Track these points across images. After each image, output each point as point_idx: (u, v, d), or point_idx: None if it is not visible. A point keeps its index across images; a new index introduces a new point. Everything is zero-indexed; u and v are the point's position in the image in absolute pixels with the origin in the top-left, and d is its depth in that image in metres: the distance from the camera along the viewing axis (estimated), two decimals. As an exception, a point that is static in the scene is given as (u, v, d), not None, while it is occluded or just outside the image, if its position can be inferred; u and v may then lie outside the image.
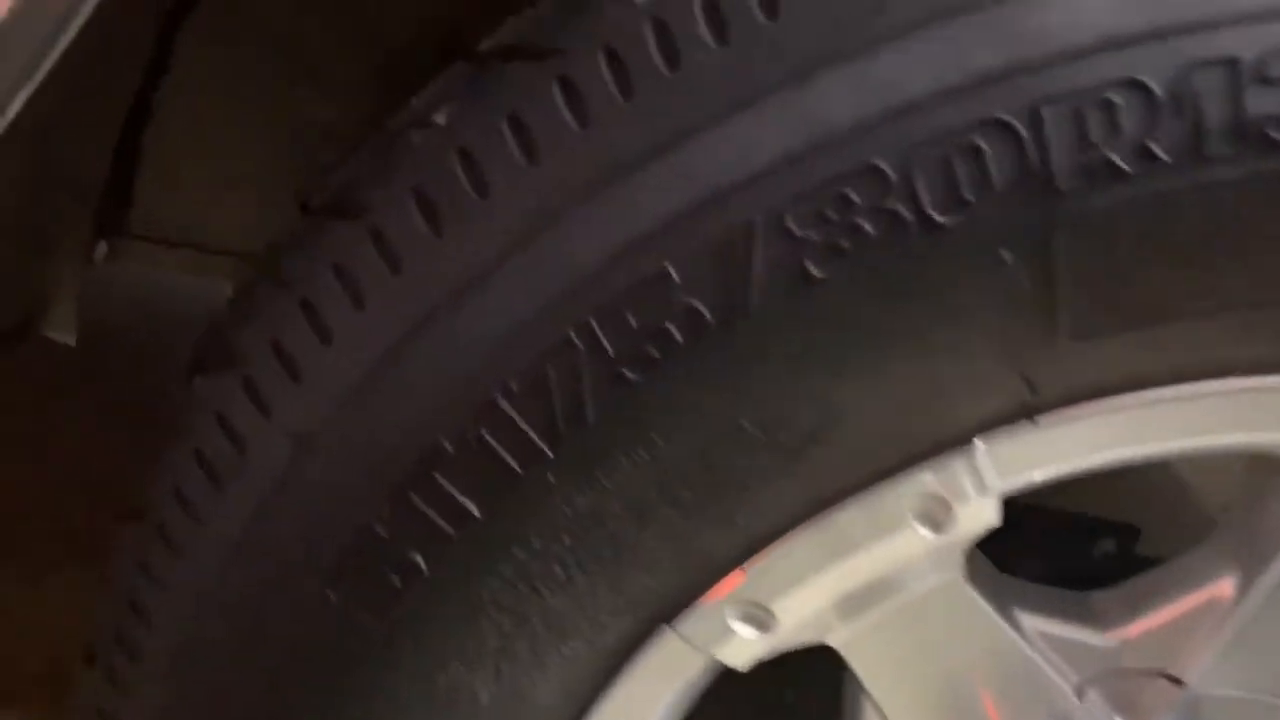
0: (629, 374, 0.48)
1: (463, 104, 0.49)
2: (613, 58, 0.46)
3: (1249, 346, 0.52)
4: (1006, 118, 0.44)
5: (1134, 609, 0.69)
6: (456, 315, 0.49)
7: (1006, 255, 0.46)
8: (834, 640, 0.63)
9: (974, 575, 0.63)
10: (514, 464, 0.50)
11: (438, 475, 0.51)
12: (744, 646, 0.60)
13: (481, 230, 0.48)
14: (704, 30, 0.46)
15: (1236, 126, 0.44)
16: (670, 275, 0.47)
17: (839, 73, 0.45)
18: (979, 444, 0.55)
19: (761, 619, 0.59)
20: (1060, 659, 0.67)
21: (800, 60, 0.45)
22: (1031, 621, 0.67)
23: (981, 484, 0.56)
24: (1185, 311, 0.49)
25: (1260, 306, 0.50)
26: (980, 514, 0.57)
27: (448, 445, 0.50)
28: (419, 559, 0.52)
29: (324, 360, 0.51)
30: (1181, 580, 0.68)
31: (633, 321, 0.47)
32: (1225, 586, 0.66)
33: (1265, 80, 0.43)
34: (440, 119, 0.50)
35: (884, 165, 0.45)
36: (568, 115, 0.47)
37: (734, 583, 0.58)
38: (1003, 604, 0.66)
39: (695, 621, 0.59)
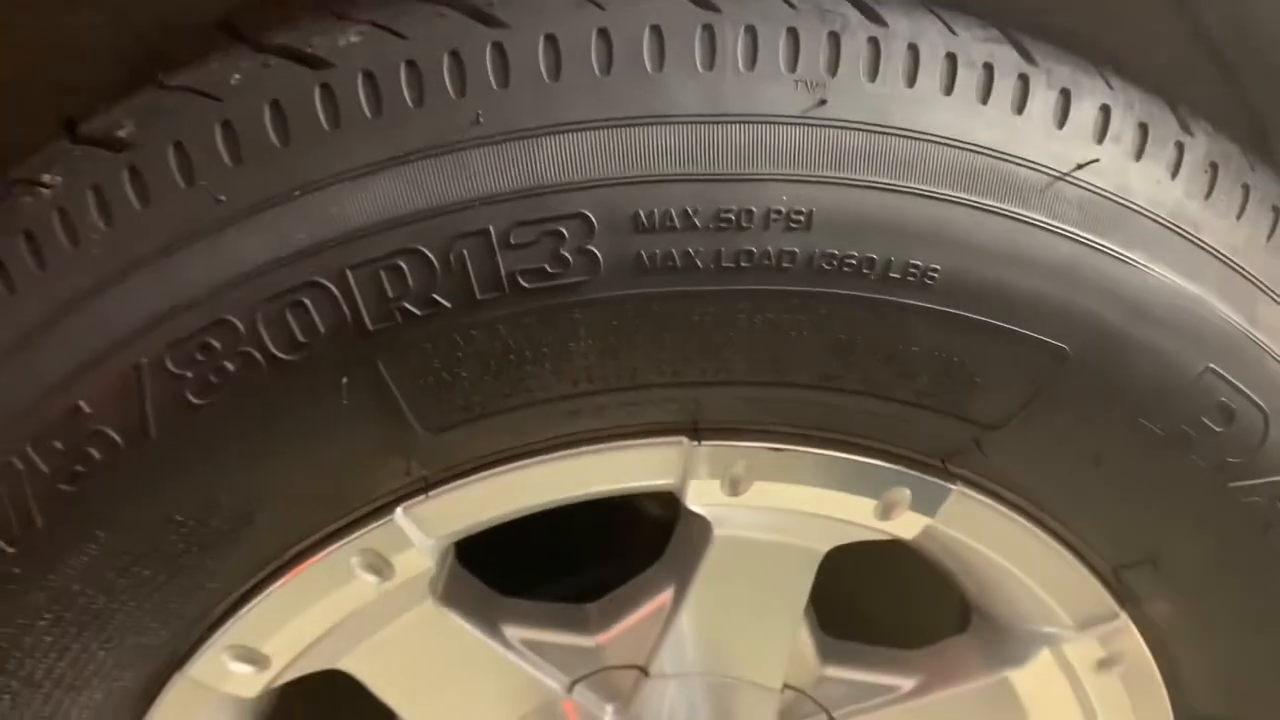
0: (64, 486, 0.61)
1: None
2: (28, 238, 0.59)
3: (583, 423, 0.68)
4: (322, 280, 0.58)
5: (614, 617, 0.85)
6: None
7: (345, 378, 0.60)
8: (344, 666, 0.78)
9: (452, 600, 0.78)
10: (-19, 562, 0.62)
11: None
12: (246, 681, 0.73)
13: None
14: (95, 215, 0.58)
15: (494, 277, 0.59)
16: (83, 409, 0.59)
17: (194, 248, 0.58)
18: (399, 511, 0.69)
19: (255, 658, 0.73)
20: (549, 662, 0.83)
21: (165, 238, 0.58)
22: (517, 632, 0.82)
23: (409, 541, 0.70)
24: (519, 405, 0.65)
25: (572, 398, 0.65)
26: (417, 562, 0.72)
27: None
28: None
29: None
30: (648, 589, 0.84)
31: (59, 445, 0.60)
32: (667, 594, 0.83)
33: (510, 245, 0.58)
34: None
35: (234, 319, 0.58)
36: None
37: (222, 634, 0.72)
38: (487, 619, 0.81)
39: (199, 667, 0.72)
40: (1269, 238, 0.69)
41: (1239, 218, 0.68)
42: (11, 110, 0.62)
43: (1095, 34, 0.75)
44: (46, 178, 0.61)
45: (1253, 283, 0.68)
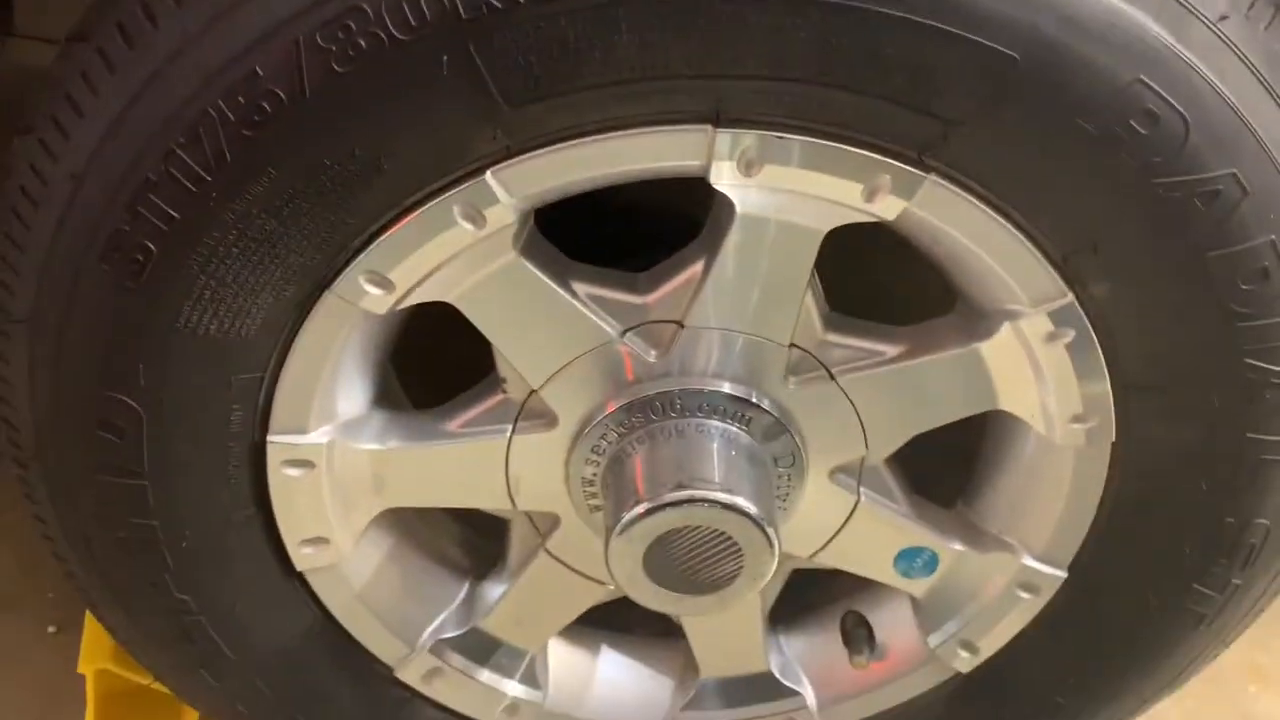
0: (246, 131, 0.83)
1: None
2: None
3: (629, 108, 0.86)
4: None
5: (659, 281, 1.06)
6: (147, 98, 0.83)
7: (445, 58, 0.80)
8: (451, 299, 1.01)
9: (532, 254, 1.00)
10: (190, 185, 0.85)
11: (152, 195, 0.86)
12: (377, 300, 0.97)
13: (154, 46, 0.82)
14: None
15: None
16: (258, 73, 0.81)
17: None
18: (489, 173, 0.90)
19: (384, 283, 0.97)
20: (607, 313, 1.05)
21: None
22: (583, 287, 1.04)
23: (495, 198, 0.92)
24: (577, 88, 0.83)
25: (618, 84, 0.83)
26: (502, 216, 0.93)
27: (152, 176, 0.85)
28: (151, 245, 0.89)
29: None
30: (685, 261, 1.04)
31: (241, 100, 0.82)
32: (700, 265, 1.03)
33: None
34: None
35: (365, 6, 0.78)
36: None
37: (359, 261, 0.95)
38: (560, 275, 1.03)
39: (343, 286, 0.96)
40: (1205, -29, 0.81)
41: (1179, -49, 0.80)
42: None
43: None
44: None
45: (1186, 8, 0.81)
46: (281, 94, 0.83)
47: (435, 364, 1.18)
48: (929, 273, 1.08)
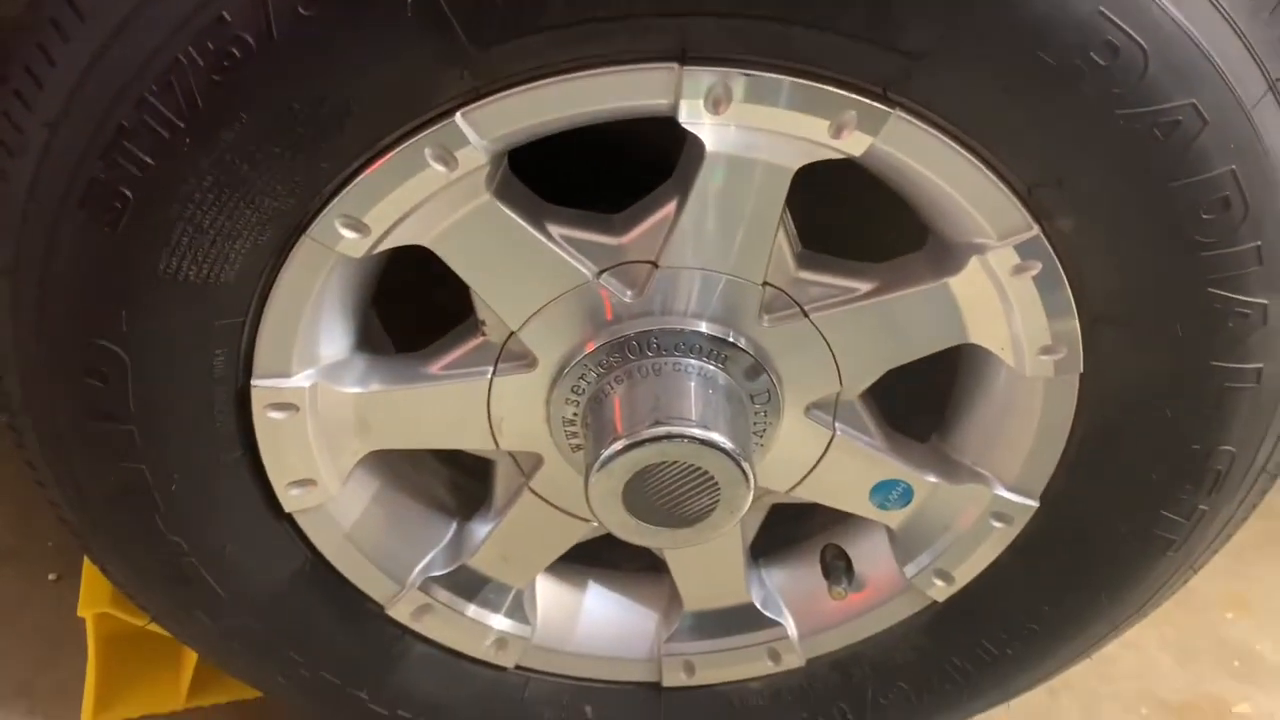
0: (216, 77, 0.84)
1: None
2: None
3: (595, 47, 0.87)
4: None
5: (633, 222, 1.07)
6: (118, 45, 0.84)
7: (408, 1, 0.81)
8: (427, 243, 1.02)
9: (505, 196, 1.01)
10: (163, 132, 0.86)
11: (126, 142, 0.88)
12: (353, 244, 0.99)
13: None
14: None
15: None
16: (225, 18, 0.81)
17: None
18: (458, 115, 0.91)
19: (359, 226, 0.98)
20: (582, 255, 1.06)
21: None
22: (558, 229, 1.05)
23: (466, 139, 0.93)
24: (542, 27, 0.84)
25: (583, 23, 0.84)
26: (474, 158, 0.94)
27: (126, 123, 0.87)
28: (127, 191, 0.90)
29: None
30: (658, 202, 1.06)
31: (210, 45, 0.83)
32: (673, 205, 1.04)
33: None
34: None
35: None
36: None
37: (334, 205, 0.96)
38: (534, 217, 1.04)
39: (318, 229, 0.97)
40: (1165, -101, 0.82)
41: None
42: None
43: None
44: None
45: (1144, -62, 0.82)
46: (249, 38, 0.84)
47: (419, 307, 1.20)
48: (901, 209, 1.10)
